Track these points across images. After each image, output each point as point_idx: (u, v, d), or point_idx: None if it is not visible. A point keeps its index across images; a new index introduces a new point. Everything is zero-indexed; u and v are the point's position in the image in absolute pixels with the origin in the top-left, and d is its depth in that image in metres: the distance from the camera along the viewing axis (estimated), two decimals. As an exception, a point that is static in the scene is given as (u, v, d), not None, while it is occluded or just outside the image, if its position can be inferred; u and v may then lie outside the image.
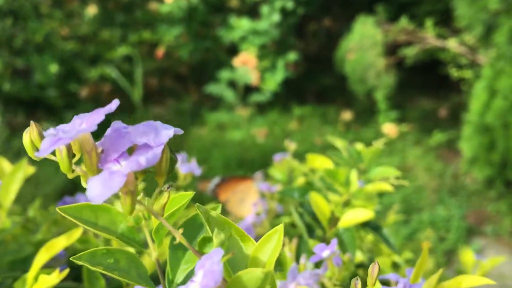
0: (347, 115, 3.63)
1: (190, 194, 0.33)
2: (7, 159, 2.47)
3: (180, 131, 0.30)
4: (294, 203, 0.54)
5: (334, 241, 0.38)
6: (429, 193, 2.73)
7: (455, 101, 3.94)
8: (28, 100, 3.06)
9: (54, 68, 2.90)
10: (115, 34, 3.36)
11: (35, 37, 2.95)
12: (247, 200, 0.70)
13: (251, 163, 2.78)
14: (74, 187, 2.70)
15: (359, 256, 0.50)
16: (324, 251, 0.38)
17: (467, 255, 0.56)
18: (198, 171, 0.62)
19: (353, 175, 0.50)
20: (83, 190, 0.70)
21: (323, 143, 3.15)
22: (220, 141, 3.06)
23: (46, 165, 2.60)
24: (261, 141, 3.12)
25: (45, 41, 2.99)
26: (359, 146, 0.56)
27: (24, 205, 0.69)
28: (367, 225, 0.49)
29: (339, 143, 0.57)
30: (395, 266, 0.53)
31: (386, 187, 0.47)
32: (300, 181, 0.61)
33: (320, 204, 0.49)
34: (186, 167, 0.63)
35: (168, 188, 0.31)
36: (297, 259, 0.46)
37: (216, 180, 0.74)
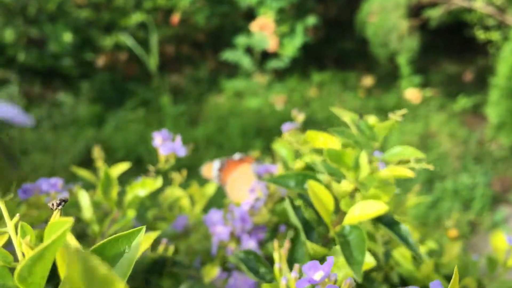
0: (368, 81, 3.54)
1: (69, 221, 0.21)
2: (27, 128, 2.45)
3: (26, 123, 0.16)
4: (289, 194, 0.44)
5: (330, 260, 0.29)
6: (453, 160, 2.65)
7: (480, 65, 3.82)
8: (44, 70, 3.04)
9: (68, 37, 2.85)
10: (129, 0, 3.29)
11: (48, 5, 2.90)
12: (247, 184, 0.63)
13: (269, 131, 2.73)
14: (92, 158, 2.69)
15: (372, 261, 0.38)
16: (316, 273, 0.29)
17: (498, 240, 0.50)
18: (182, 151, 0.51)
19: (363, 157, 0.40)
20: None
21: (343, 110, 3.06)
22: (237, 109, 3.01)
23: (64, 135, 2.60)
24: (280, 109, 3.06)
25: (58, 10, 2.94)
26: (372, 119, 0.45)
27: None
28: (379, 221, 0.40)
29: (346, 116, 0.45)
30: (417, 260, 0.46)
31: (406, 172, 0.38)
32: (298, 165, 0.50)
33: (321, 195, 0.39)
34: (168, 146, 0.51)
35: (59, 204, 0.22)
36: (291, 268, 0.36)
37: (216, 164, 0.66)
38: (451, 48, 4.14)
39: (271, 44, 3.15)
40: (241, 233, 0.50)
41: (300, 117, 0.62)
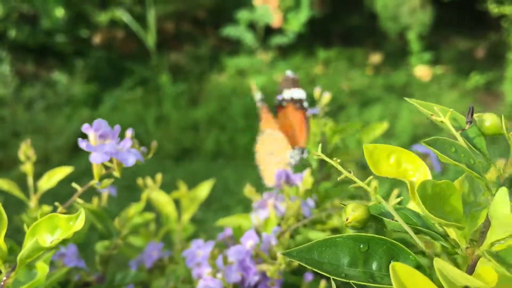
0: (376, 58, 3.41)
1: None
2: (19, 109, 2.31)
3: None
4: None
5: None
6: (466, 141, 2.53)
7: (493, 40, 3.68)
8: (36, 48, 2.91)
9: (59, 12, 2.72)
10: (125, -27, 3.15)
11: (39, -22, 2.75)
12: (277, 152, 0.45)
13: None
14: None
15: None
16: None
17: None
18: (131, 157, 0.30)
19: (501, 199, 0.19)
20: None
21: (350, 88, 2.94)
22: (240, 88, 2.89)
23: (58, 115, 2.48)
24: (284, 87, 2.94)
25: (50, -17, 2.80)
26: (492, 119, 0.23)
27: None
28: None
29: (441, 113, 0.24)
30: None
31: None
32: (355, 214, 0.21)
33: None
34: (105, 150, 0.30)
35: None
36: None
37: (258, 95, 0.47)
38: (462, 23, 3.99)
39: (275, 19, 3.02)
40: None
41: (325, 98, 0.48)
